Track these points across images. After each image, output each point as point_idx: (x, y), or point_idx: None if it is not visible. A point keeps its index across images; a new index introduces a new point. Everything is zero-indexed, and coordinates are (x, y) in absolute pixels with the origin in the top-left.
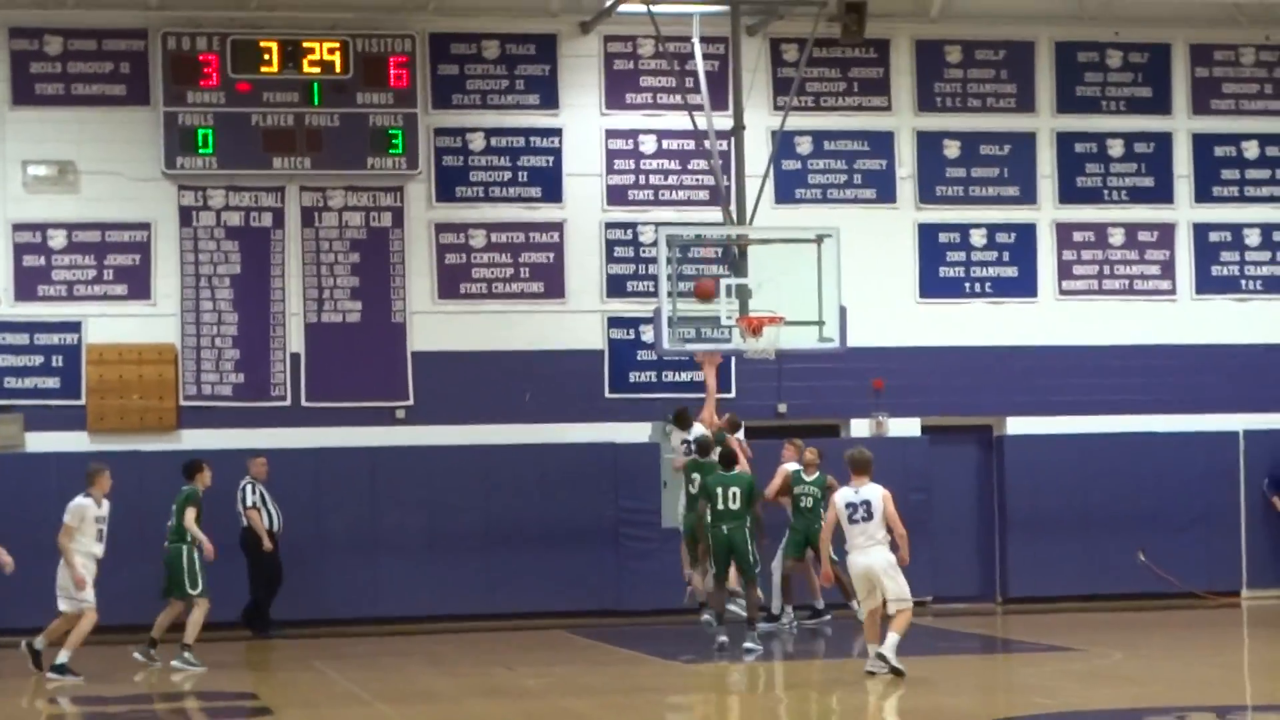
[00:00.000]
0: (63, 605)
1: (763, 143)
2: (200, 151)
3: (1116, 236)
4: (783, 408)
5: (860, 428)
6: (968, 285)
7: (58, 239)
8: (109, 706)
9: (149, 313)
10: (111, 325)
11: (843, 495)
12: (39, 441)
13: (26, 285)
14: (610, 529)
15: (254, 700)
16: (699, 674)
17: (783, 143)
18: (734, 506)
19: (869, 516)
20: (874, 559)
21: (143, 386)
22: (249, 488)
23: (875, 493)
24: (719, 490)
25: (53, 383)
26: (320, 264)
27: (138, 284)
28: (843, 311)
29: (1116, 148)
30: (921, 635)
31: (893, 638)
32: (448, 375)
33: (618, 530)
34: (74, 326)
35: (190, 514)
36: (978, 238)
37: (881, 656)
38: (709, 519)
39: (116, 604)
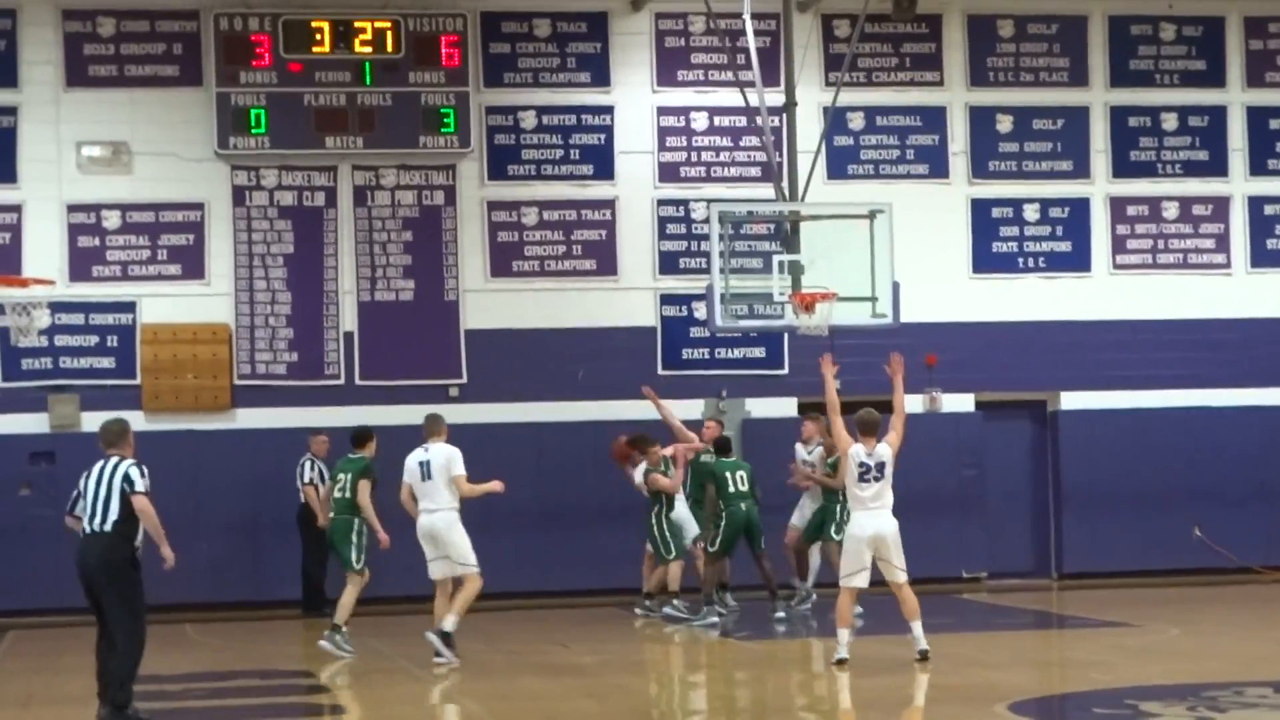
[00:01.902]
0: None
1: (815, 119)
2: (253, 131)
3: (1170, 210)
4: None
5: (914, 403)
6: (1021, 260)
7: (112, 219)
8: (165, 685)
9: (203, 292)
10: (166, 305)
11: (856, 453)
12: (94, 421)
13: (81, 266)
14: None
15: (309, 678)
16: (754, 650)
17: (835, 119)
18: (742, 489)
19: (880, 477)
20: (885, 525)
21: (197, 366)
22: (308, 464)
23: (888, 454)
24: (726, 475)
25: (108, 363)
26: (373, 243)
27: (192, 264)
28: (895, 287)
29: (1170, 121)
30: (977, 611)
31: (918, 627)
32: (500, 353)
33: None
34: (129, 307)
35: (365, 488)
36: (1031, 213)
37: (922, 651)
38: (721, 504)
39: (173, 583)
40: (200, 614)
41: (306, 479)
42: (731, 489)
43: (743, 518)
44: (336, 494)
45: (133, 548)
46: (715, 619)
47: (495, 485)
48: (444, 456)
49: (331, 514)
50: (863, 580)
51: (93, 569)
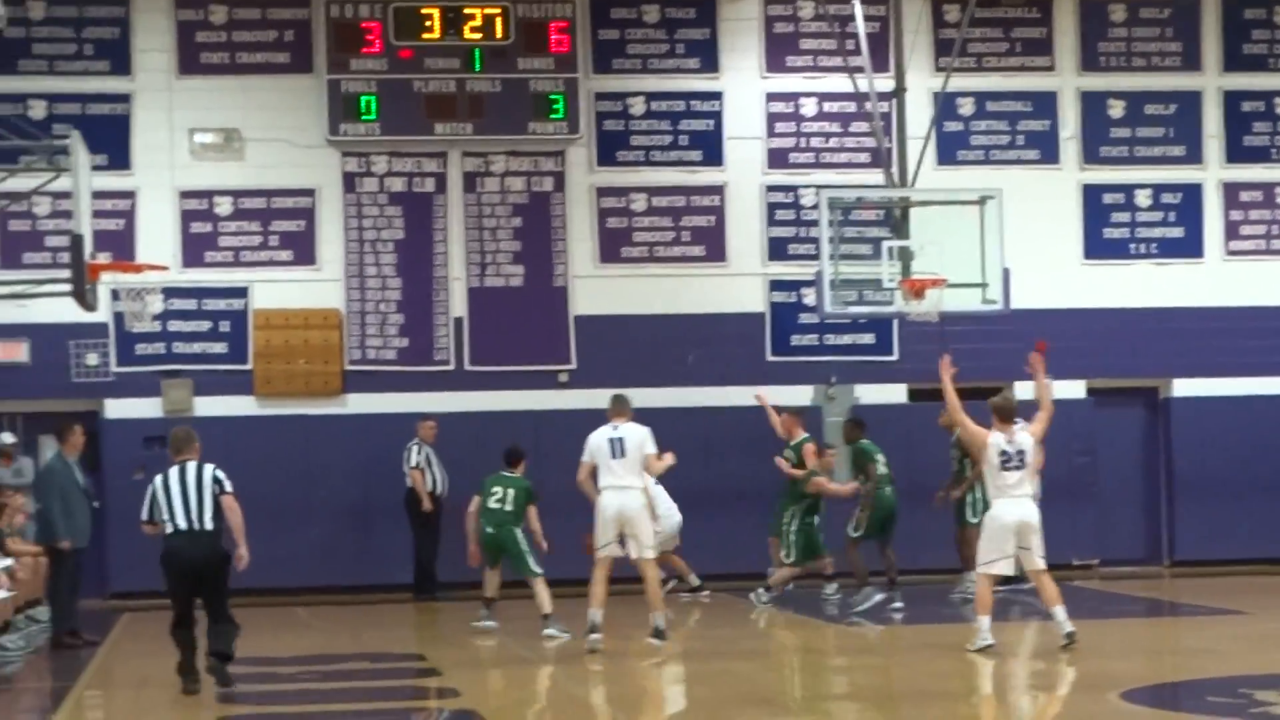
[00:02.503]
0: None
1: (924, 104)
2: (363, 118)
3: None
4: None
5: (1024, 390)
6: (1133, 246)
7: (224, 206)
8: (279, 668)
9: (314, 278)
10: (277, 291)
11: (995, 439)
12: (207, 406)
13: (194, 252)
14: (771, 492)
15: (422, 661)
16: (862, 637)
17: (944, 104)
18: (887, 473)
19: (1022, 464)
20: (1029, 512)
21: (308, 351)
22: (415, 449)
23: (1028, 441)
24: (880, 457)
25: (220, 348)
26: (483, 229)
27: (303, 250)
28: (1006, 273)
29: None
30: (1088, 598)
31: (1061, 611)
32: (610, 339)
33: (779, 493)
34: (241, 292)
35: (534, 512)
36: (1143, 198)
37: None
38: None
39: (285, 567)
40: (311, 597)
41: (413, 463)
42: (881, 472)
43: (890, 503)
44: (494, 504)
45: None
46: (880, 596)
47: (671, 459)
48: (638, 435)
49: (490, 527)
50: (1005, 567)
51: (202, 564)
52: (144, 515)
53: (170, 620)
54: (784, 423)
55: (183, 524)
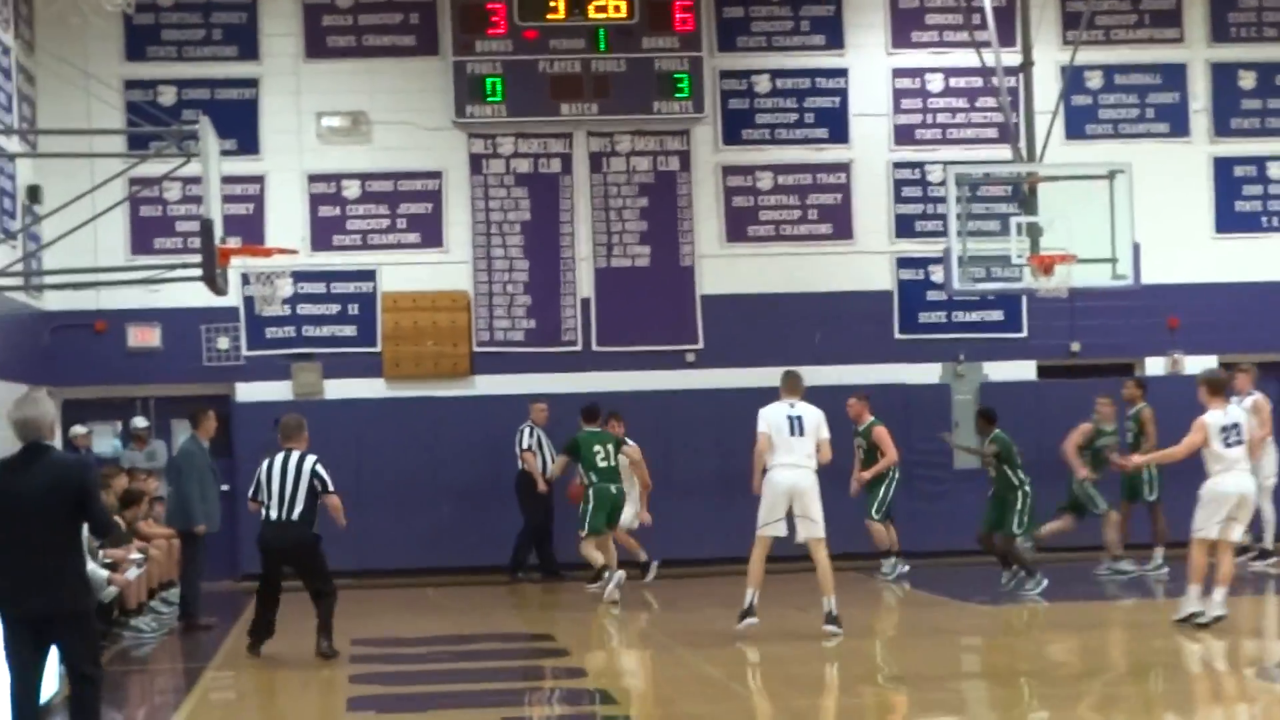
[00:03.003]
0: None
1: (1052, 78)
2: (489, 100)
3: None
4: (1076, 347)
5: (1155, 365)
6: (1265, 219)
7: (352, 189)
8: (406, 648)
9: (442, 260)
10: (405, 273)
11: (1214, 418)
12: (336, 389)
13: (322, 235)
14: (903, 470)
15: (550, 641)
16: (993, 615)
17: (1073, 78)
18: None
19: (1240, 439)
20: (1248, 485)
21: (436, 333)
22: (527, 430)
23: (1241, 415)
24: (1014, 449)
25: (349, 331)
26: (609, 209)
27: (430, 232)
28: (1136, 248)
29: None
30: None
31: (1224, 591)
32: (736, 318)
33: (910, 471)
34: (369, 275)
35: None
36: (1276, 171)
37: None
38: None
39: (413, 548)
40: (440, 578)
41: (525, 445)
42: (1020, 461)
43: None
44: (603, 464)
45: (313, 530)
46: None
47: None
48: (816, 415)
49: (612, 486)
50: (1214, 532)
51: (288, 552)
52: (250, 493)
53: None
54: (852, 406)
55: (274, 514)
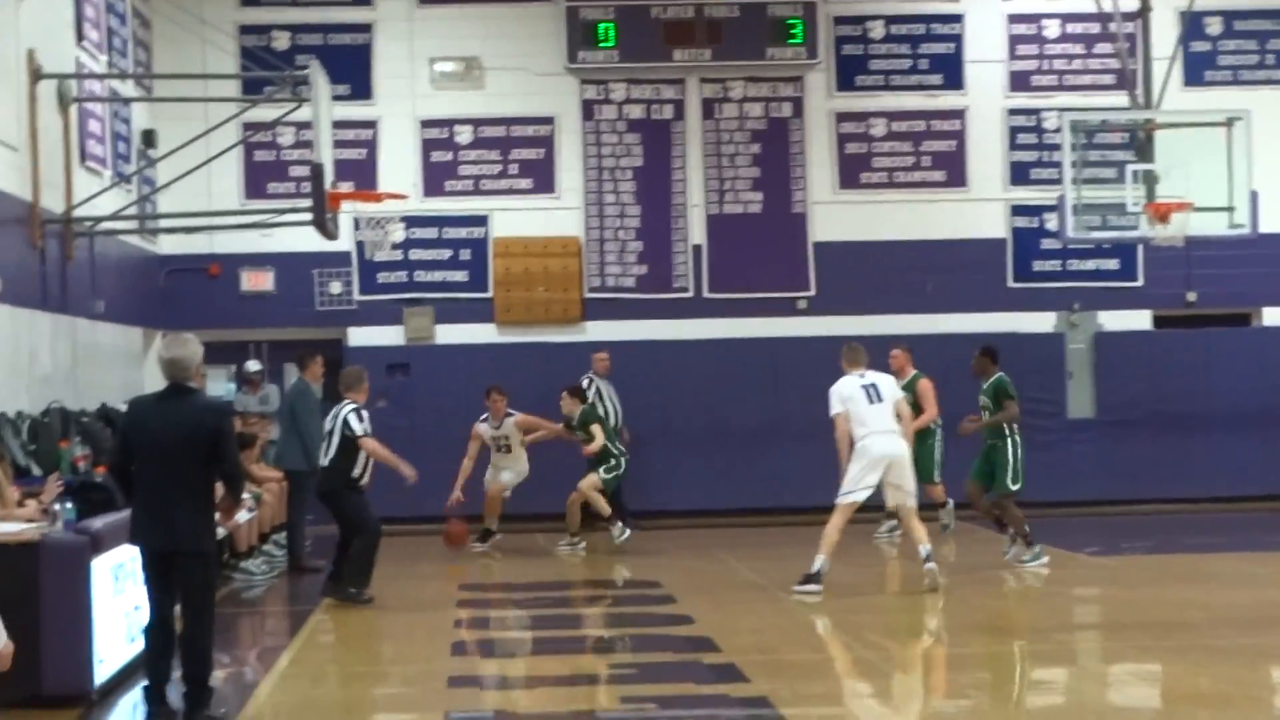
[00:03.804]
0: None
1: (1170, 24)
2: (601, 45)
3: None
4: (1192, 296)
5: (1273, 315)
6: None
7: (464, 134)
8: (515, 593)
9: (553, 206)
10: (517, 219)
11: None
12: (448, 334)
13: (435, 180)
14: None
15: (658, 588)
16: (1104, 567)
17: (1191, 23)
18: None
19: None
20: None
21: (548, 279)
22: (585, 382)
23: None
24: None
25: (461, 276)
26: (721, 155)
27: (542, 178)
28: (1254, 196)
29: None
30: None
31: None
32: (849, 265)
33: (1023, 421)
34: (481, 220)
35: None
36: None
37: None
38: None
39: (531, 496)
40: (552, 524)
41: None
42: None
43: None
44: None
45: (347, 477)
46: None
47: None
48: (889, 381)
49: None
50: None
51: (322, 497)
52: None
53: None
54: (896, 359)
55: (320, 460)
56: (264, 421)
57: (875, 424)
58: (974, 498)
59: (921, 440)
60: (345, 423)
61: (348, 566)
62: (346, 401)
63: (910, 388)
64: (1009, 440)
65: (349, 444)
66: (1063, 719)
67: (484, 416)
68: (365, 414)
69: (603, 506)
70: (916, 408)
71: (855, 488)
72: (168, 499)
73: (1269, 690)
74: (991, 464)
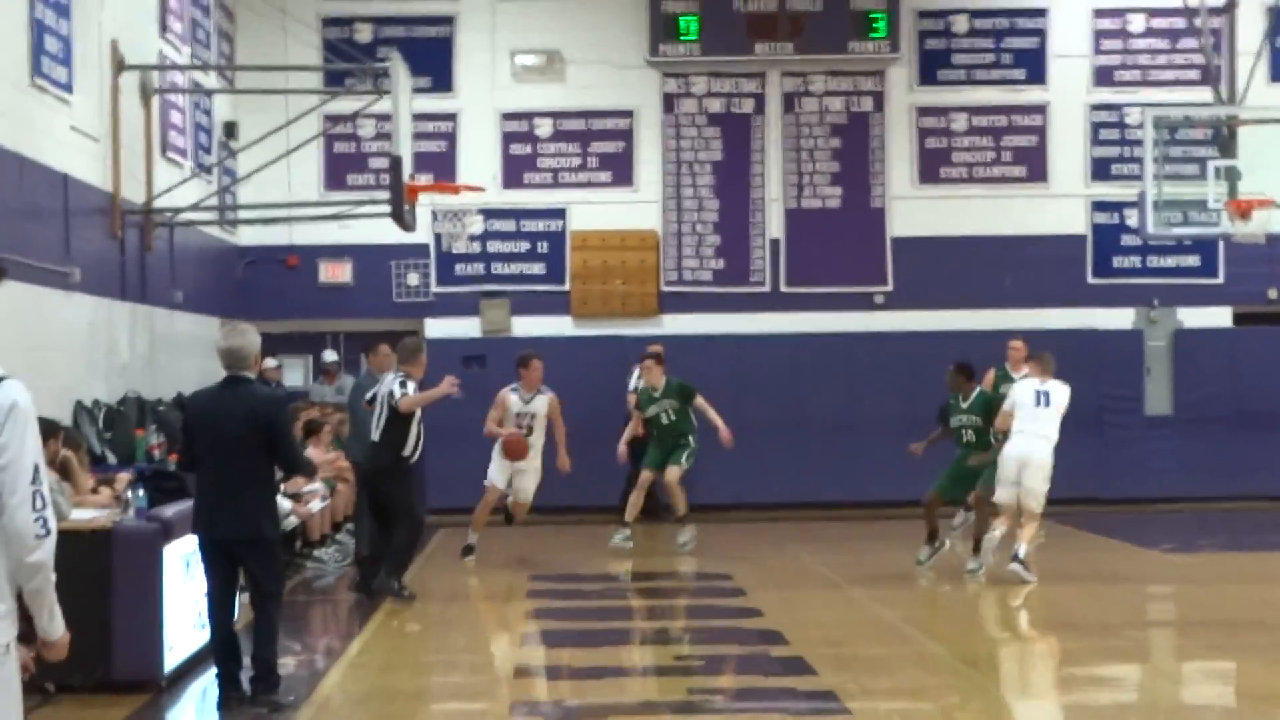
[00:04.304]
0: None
1: (1257, 19)
2: (683, 38)
3: None
4: (1273, 293)
5: None
6: None
7: (544, 127)
8: (584, 584)
9: (631, 199)
10: (595, 212)
11: None
12: (525, 326)
13: (514, 172)
14: (1093, 416)
15: (729, 581)
16: (1179, 564)
17: (1278, 19)
18: None
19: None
20: None
21: (625, 272)
22: (635, 373)
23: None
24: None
25: (538, 269)
26: (800, 149)
27: (620, 171)
28: None
29: None
30: None
31: None
32: (927, 260)
33: (1100, 417)
34: (559, 213)
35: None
36: None
37: None
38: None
39: (599, 487)
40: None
41: (631, 387)
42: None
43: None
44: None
45: (397, 455)
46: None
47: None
48: (1065, 393)
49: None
50: None
51: (369, 475)
52: None
53: None
54: (1016, 350)
55: (370, 435)
56: (340, 412)
57: (1029, 425)
58: (934, 507)
59: None
60: (390, 392)
61: (388, 557)
62: (398, 373)
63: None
64: (993, 450)
65: (397, 416)
66: (1134, 716)
67: (513, 386)
68: (412, 385)
69: (681, 502)
70: None
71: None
72: (228, 488)
73: None
74: (967, 474)
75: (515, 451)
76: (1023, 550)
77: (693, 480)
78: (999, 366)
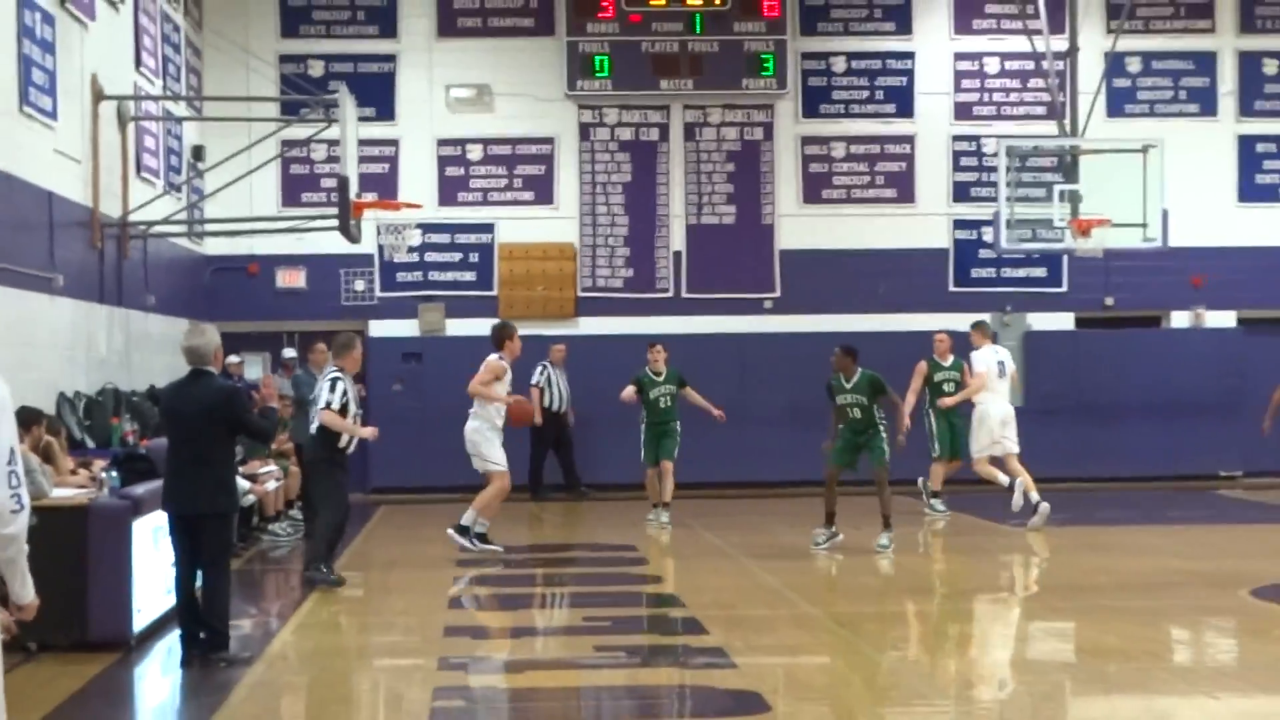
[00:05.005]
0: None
1: (1096, 62)
2: (597, 75)
3: None
4: (1110, 301)
5: (1180, 319)
6: None
7: (475, 152)
8: (507, 555)
9: (552, 215)
10: (520, 227)
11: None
12: (457, 327)
13: (449, 192)
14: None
15: (634, 551)
16: (1024, 537)
17: (1114, 62)
18: None
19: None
20: None
21: (546, 280)
22: (539, 369)
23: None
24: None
25: (470, 276)
26: (700, 173)
27: (542, 191)
28: (1165, 214)
29: None
30: (1231, 506)
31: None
32: (810, 271)
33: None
34: (488, 228)
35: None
36: None
37: None
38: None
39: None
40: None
41: (534, 381)
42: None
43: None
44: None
45: (333, 448)
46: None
47: None
48: (1011, 360)
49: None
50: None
51: (303, 465)
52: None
53: None
54: (943, 342)
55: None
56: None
57: (993, 391)
58: (834, 481)
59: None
60: (316, 396)
61: (307, 545)
62: (332, 368)
63: (957, 367)
64: (880, 426)
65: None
66: (983, 670)
67: (500, 355)
68: (343, 384)
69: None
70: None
71: (983, 446)
72: (189, 468)
73: (1164, 646)
74: (861, 450)
75: (524, 416)
76: (1033, 495)
77: (604, 462)
78: (929, 358)
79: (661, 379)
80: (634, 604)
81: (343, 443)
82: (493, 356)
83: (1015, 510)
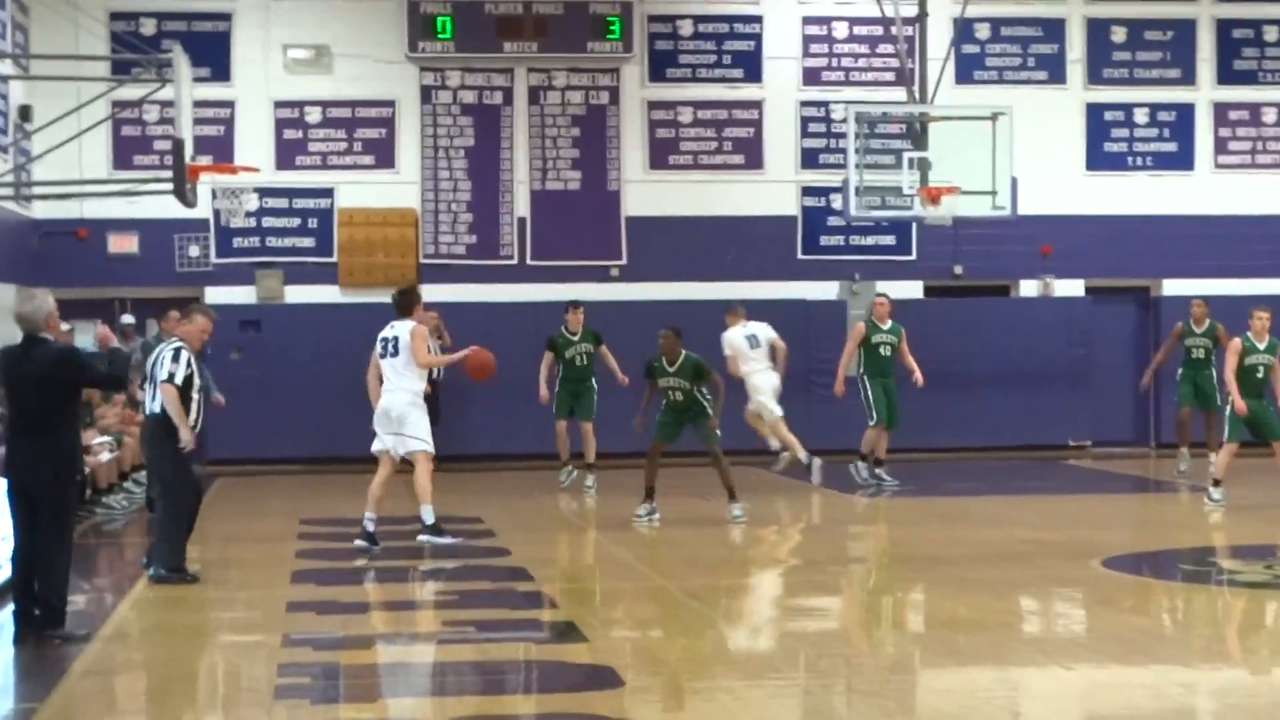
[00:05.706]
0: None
1: (945, 29)
2: (439, 37)
3: (1269, 115)
4: (959, 269)
5: (1029, 288)
6: (1130, 159)
7: (314, 115)
8: (348, 528)
9: (393, 180)
10: (360, 191)
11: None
12: (296, 294)
13: (286, 156)
14: (802, 377)
15: (480, 523)
16: (878, 507)
17: (963, 29)
18: None
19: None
20: None
21: (387, 246)
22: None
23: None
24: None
25: (308, 242)
26: (545, 137)
27: (383, 155)
28: (1014, 182)
29: (1272, 33)
30: (1080, 475)
31: None
32: (657, 238)
33: (809, 379)
34: (327, 193)
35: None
36: (1141, 116)
37: None
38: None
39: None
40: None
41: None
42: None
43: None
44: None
45: (171, 425)
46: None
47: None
48: (766, 328)
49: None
50: None
51: (142, 442)
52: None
53: None
54: (882, 305)
55: (147, 407)
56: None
57: (758, 363)
58: (656, 455)
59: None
60: (161, 362)
61: (154, 542)
62: (173, 339)
63: (895, 331)
64: (705, 405)
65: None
66: (833, 642)
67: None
68: (186, 354)
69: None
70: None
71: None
72: (28, 436)
73: (1017, 617)
74: (684, 425)
75: (487, 364)
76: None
77: (449, 431)
78: (868, 319)
79: (577, 337)
80: (482, 577)
81: (191, 418)
82: (409, 322)
83: (778, 471)
